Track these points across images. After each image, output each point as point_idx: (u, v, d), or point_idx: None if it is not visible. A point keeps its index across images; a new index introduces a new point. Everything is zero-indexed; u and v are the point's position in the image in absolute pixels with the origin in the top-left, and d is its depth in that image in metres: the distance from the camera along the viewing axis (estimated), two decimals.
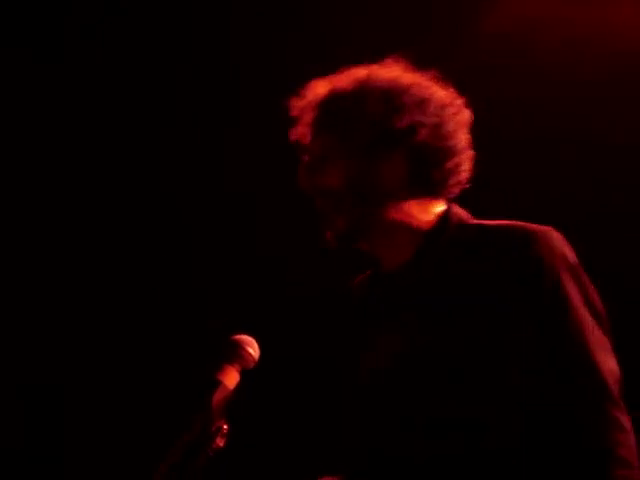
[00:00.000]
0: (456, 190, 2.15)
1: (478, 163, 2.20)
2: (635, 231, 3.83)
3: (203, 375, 1.92)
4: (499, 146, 3.97)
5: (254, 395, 2.21)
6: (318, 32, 4.03)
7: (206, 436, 1.86)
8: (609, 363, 1.91)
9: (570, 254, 1.99)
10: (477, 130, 2.20)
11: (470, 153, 2.16)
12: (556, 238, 1.99)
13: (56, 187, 4.17)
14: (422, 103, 2.09)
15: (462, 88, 2.21)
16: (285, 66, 4.01)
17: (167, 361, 4.01)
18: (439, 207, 2.12)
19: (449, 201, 2.15)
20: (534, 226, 2.00)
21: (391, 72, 2.16)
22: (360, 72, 2.16)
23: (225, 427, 1.88)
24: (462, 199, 2.19)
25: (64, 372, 4.11)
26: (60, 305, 4.16)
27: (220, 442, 1.88)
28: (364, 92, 2.10)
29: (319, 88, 2.16)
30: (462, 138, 2.14)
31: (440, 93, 2.14)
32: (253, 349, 1.95)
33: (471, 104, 2.20)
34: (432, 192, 2.11)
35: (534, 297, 1.92)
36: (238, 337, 1.96)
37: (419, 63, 2.14)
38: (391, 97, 2.09)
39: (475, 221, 2.10)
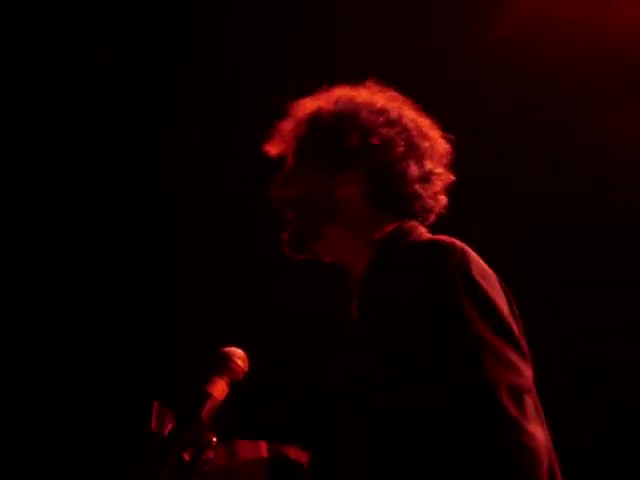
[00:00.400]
0: (427, 216, 2.18)
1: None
2: None
3: (193, 387, 1.92)
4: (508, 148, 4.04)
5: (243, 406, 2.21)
6: (318, 33, 4.03)
7: (197, 448, 1.86)
8: (509, 377, 1.82)
9: (476, 269, 1.93)
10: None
11: (443, 184, 2.19)
12: (456, 254, 1.93)
13: (55, 187, 4.17)
14: (392, 127, 2.14)
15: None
16: (285, 67, 4.02)
17: (156, 372, 4.02)
18: (393, 225, 2.14)
19: (420, 223, 2.17)
20: (445, 240, 1.97)
21: (368, 94, 2.21)
22: (336, 93, 2.21)
23: (214, 439, 1.89)
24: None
25: (53, 373, 4.13)
26: (53, 306, 4.17)
27: (210, 454, 1.88)
28: (338, 113, 2.16)
29: (299, 107, 2.23)
30: (432, 168, 2.17)
31: (413, 121, 2.18)
32: (242, 361, 1.96)
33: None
34: (393, 213, 2.14)
35: (431, 315, 1.88)
36: (227, 349, 1.97)
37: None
38: (358, 118, 2.14)
39: (424, 237, 2.10)
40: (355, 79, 2.27)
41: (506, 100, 4.00)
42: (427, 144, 2.18)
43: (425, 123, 2.21)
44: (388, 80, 2.22)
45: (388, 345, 1.90)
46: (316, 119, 2.19)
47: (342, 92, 2.22)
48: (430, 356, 1.85)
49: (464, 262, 1.92)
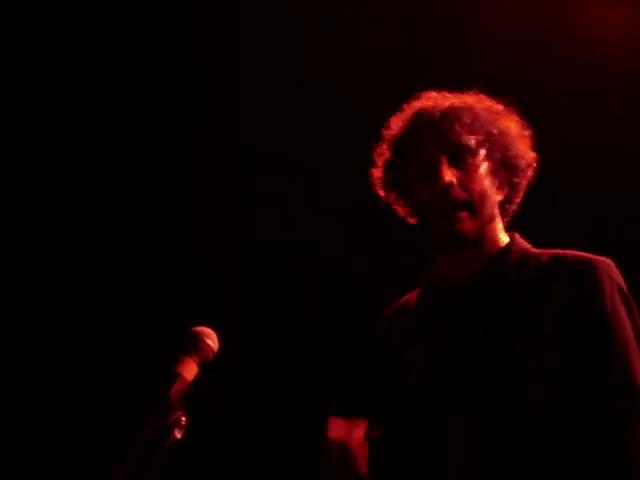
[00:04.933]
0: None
1: None
2: None
3: (162, 367, 1.91)
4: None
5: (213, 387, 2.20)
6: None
7: (164, 428, 1.84)
8: None
9: (624, 285, 2.09)
10: None
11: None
12: (614, 269, 2.10)
13: (55, 187, 4.18)
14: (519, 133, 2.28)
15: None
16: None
17: (127, 353, 4.02)
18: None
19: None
20: (594, 256, 2.12)
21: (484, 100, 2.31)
22: (470, 97, 2.29)
23: (183, 419, 1.86)
24: None
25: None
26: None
27: (178, 434, 1.86)
28: (490, 116, 2.26)
29: (448, 99, 2.27)
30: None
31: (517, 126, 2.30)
32: (212, 341, 1.93)
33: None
34: (505, 214, 2.28)
35: (591, 321, 2.03)
36: (197, 329, 1.95)
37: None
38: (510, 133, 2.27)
39: (536, 250, 2.21)
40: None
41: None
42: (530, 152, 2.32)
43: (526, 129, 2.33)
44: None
45: (549, 341, 2.03)
46: (495, 126, 2.24)
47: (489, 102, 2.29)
48: (585, 357, 2.01)
49: (621, 277, 2.10)
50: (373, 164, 2.37)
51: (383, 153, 2.34)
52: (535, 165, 2.29)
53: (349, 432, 2.33)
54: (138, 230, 4.22)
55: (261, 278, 4.20)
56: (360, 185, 3.99)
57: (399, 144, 2.28)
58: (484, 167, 2.19)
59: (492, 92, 3.88)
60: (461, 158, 2.18)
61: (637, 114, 4.02)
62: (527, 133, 2.29)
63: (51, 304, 4.21)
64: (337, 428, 2.28)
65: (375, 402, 2.35)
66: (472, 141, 2.19)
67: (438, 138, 2.19)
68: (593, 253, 2.13)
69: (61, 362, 4.22)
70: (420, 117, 2.24)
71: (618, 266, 2.11)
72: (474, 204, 2.15)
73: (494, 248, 2.20)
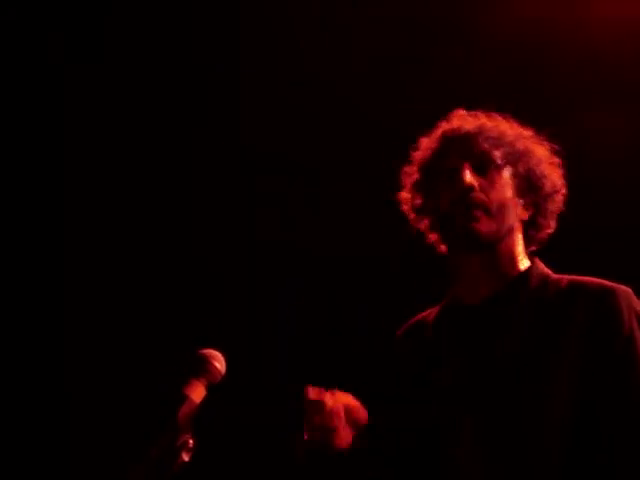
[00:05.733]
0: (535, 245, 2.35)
1: None
2: None
3: (170, 389, 1.91)
4: None
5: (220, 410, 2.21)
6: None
7: (172, 450, 1.85)
8: None
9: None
10: None
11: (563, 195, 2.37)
12: (634, 297, 2.16)
13: (55, 187, 4.18)
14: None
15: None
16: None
17: (126, 353, 4.03)
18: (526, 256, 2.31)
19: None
20: (614, 283, 2.17)
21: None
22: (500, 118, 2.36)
23: (191, 442, 1.88)
24: None
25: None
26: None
27: (186, 457, 1.87)
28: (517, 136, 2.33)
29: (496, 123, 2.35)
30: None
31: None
32: (220, 364, 1.95)
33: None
34: (531, 240, 2.33)
35: (609, 346, 2.09)
36: (205, 352, 1.96)
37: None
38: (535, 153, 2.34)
39: (556, 275, 2.26)
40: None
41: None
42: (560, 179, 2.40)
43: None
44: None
45: (567, 365, 2.08)
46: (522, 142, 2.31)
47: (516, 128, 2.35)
48: (601, 381, 2.07)
49: (638, 304, 2.15)
50: (400, 186, 2.42)
51: (411, 174, 2.38)
52: (564, 192, 2.33)
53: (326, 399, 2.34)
54: (138, 230, 4.21)
55: (261, 279, 4.20)
56: (360, 185, 4.03)
57: (427, 165, 2.33)
58: (507, 181, 2.25)
59: (492, 92, 3.88)
60: (485, 168, 2.25)
61: (638, 114, 4.02)
62: (556, 161, 2.34)
63: (51, 304, 4.21)
64: (315, 394, 2.28)
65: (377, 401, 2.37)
66: (497, 154, 2.25)
67: (463, 148, 2.26)
68: (606, 279, 2.19)
69: (61, 362, 4.21)
70: (448, 134, 2.31)
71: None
72: (491, 208, 2.20)
73: (513, 268, 2.26)
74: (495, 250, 2.23)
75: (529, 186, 2.28)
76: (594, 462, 2.02)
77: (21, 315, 4.17)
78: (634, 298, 2.17)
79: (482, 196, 2.21)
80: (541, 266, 2.29)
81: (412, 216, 2.40)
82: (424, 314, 2.42)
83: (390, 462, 2.27)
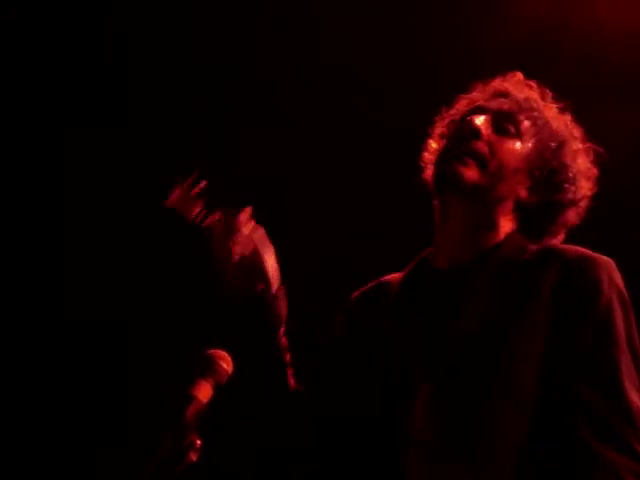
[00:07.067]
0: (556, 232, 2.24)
1: None
2: None
3: (177, 389, 1.91)
4: None
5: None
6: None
7: (179, 451, 1.85)
8: (638, 401, 1.94)
9: (624, 288, 2.04)
10: None
11: (584, 208, 2.26)
12: (616, 270, 2.04)
13: (55, 187, 4.18)
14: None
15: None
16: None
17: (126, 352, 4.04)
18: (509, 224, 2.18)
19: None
20: (595, 253, 2.05)
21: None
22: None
23: (198, 442, 1.87)
24: None
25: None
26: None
27: (193, 457, 1.87)
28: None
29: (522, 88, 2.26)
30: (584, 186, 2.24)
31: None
32: (227, 364, 1.95)
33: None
34: (530, 233, 2.20)
35: (583, 317, 1.97)
36: (212, 352, 1.96)
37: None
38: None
39: (536, 245, 2.15)
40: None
41: None
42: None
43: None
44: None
45: (539, 331, 1.98)
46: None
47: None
48: (575, 348, 1.95)
49: (621, 279, 2.04)
50: (429, 135, 2.33)
51: (442, 127, 2.30)
52: (588, 195, 2.22)
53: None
54: (138, 230, 4.21)
55: None
56: (361, 182, 4.03)
57: (460, 115, 2.24)
58: (520, 150, 2.15)
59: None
60: (503, 127, 2.15)
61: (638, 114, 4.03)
62: (593, 174, 2.25)
63: (51, 305, 4.20)
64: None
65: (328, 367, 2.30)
66: (525, 124, 2.17)
67: (490, 103, 2.19)
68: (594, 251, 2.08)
69: (61, 362, 4.21)
70: (489, 92, 2.25)
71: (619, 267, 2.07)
72: (488, 163, 2.11)
73: (493, 238, 2.14)
74: (475, 212, 2.11)
75: (547, 171, 2.17)
76: (558, 437, 1.92)
77: (21, 315, 4.17)
78: (616, 271, 2.04)
79: (484, 148, 2.11)
80: (519, 236, 2.15)
81: (424, 163, 2.30)
82: (388, 277, 2.30)
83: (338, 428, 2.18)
